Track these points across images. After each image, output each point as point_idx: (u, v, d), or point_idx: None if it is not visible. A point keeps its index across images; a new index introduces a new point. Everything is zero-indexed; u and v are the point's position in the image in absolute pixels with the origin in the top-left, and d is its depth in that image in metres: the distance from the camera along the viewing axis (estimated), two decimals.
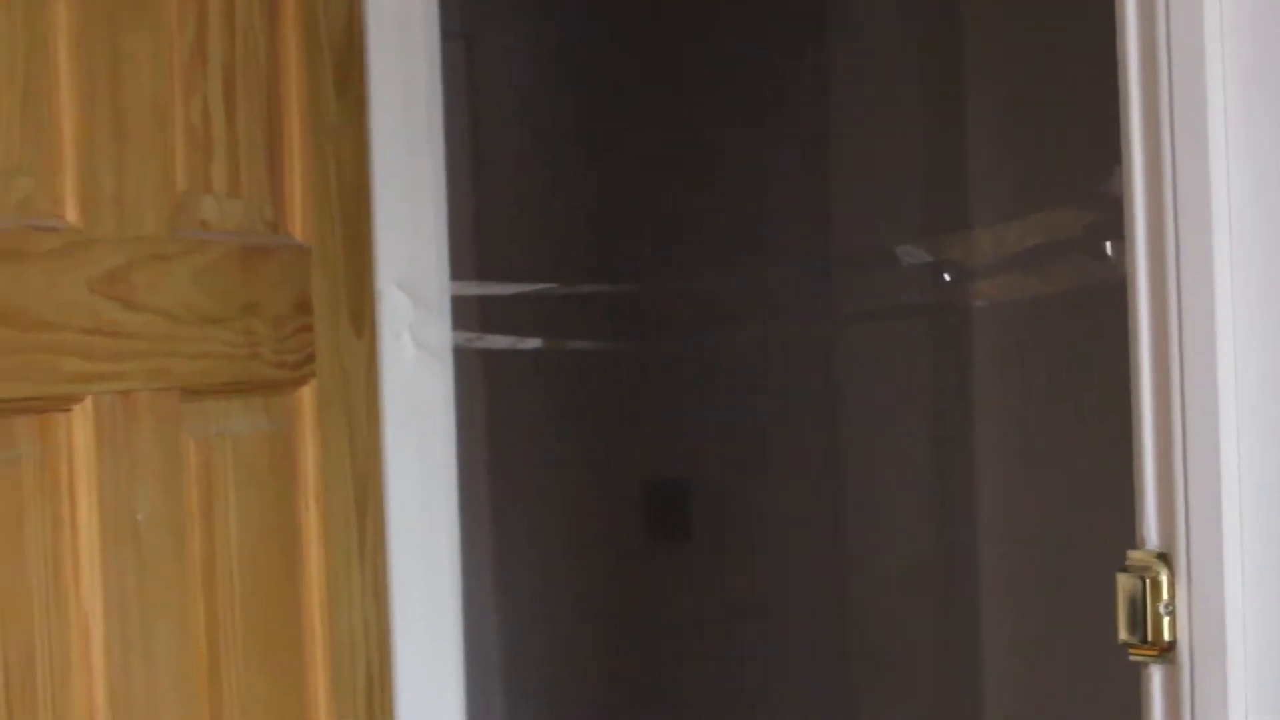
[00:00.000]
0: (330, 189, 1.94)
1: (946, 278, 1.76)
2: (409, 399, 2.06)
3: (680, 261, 2.51)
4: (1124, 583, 1.35)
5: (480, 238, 2.77)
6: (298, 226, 1.89)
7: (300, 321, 1.87)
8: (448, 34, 3.50)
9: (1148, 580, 1.34)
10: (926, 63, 2.92)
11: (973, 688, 2.96)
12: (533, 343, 2.31)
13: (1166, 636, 1.34)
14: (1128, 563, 1.36)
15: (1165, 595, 1.34)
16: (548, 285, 2.31)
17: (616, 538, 3.51)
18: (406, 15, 2.08)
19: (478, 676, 2.19)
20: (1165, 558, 1.34)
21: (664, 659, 3.56)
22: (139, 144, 1.63)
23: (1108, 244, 1.52)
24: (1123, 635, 1.36)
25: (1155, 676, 1.36)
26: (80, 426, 1.53)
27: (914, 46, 2.95)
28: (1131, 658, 1.37)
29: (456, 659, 2.10)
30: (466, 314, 2.22)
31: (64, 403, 1.51)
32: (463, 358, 2.16)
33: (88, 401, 1.53)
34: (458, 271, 2.18)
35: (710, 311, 2.33)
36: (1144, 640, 1.35)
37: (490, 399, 3.27)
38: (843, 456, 2.97)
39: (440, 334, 2.10)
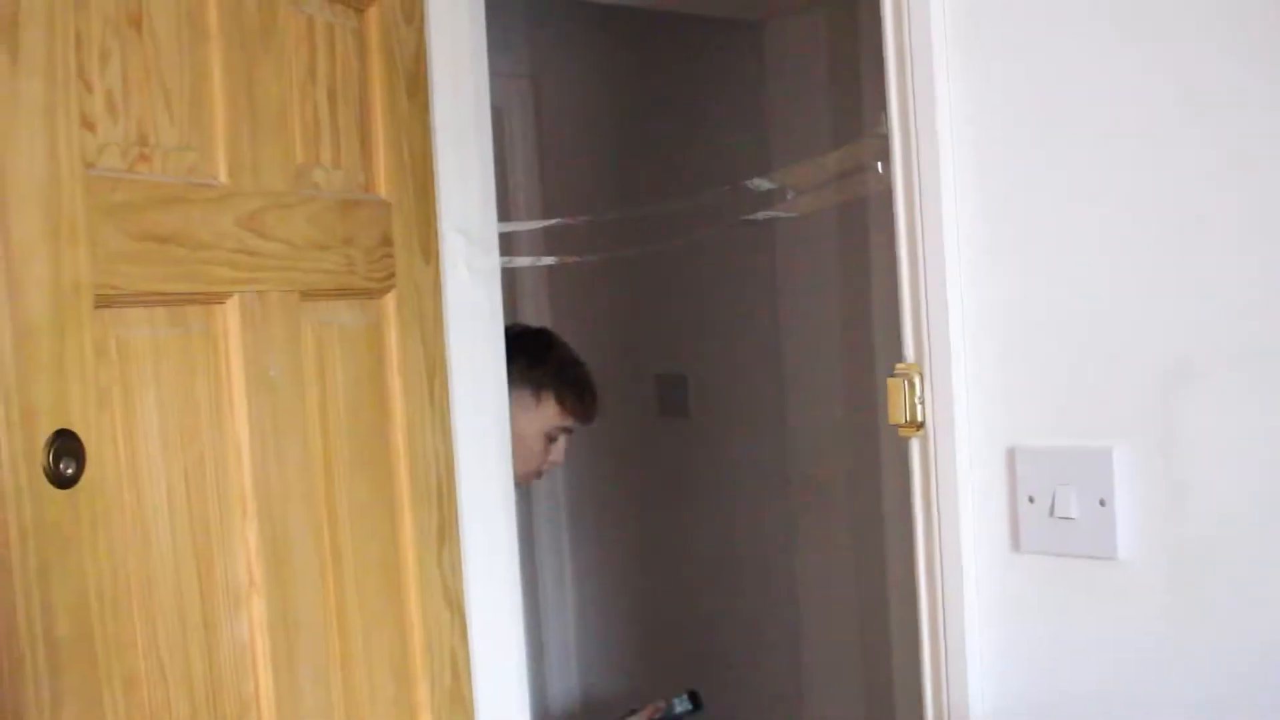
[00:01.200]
0: (405, 163, 2.02)
1: (788, 195, 1.89)
2: (465, 306, 2.14)
3: (644, 196, 2.63)
4: (893, 384, 1.49)
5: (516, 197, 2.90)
6: (382, 188, 1.98)
7: (384, 251, 1.95)
8: (520, 74, 3.66)
9: (907, 382, 1.49)
10: (832, 85, 3.05)
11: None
12: (548, 260, 2.39)
13: (919, 419, 1.49)
14: (894, 370, 1.50)
15: (918, 391, 1.48)
16: (558, 220, 2.40)
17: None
18: (458, 49, 2.15)
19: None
20: (918, 367, 1.49)
21: (670, 503, 3.70)
22: (268, 131, 1.75)
23: (879, 164, 1.63)
24: (892, 419, 1.50)
25: (915, 445, 1.49)
26: (231, 313, 1.66)
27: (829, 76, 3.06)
28: (900, 434, 1.51)
29: (505, 475, 2.19)
30: (505, 245, 2.31)
31: (219, 298, 1.65)
32: (506, 274, 2.25)
33: (235, 298, 1.66)
34: (512, 214, 2.26)
35: (664, 226, 2.45)
36: (905, 421, 1.50)
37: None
38: (768, 326, 3.13)
39: (486, 262, 2.18)
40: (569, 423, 2.90)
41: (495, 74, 2.24)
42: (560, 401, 2.89)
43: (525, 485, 2.94)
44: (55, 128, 1.44)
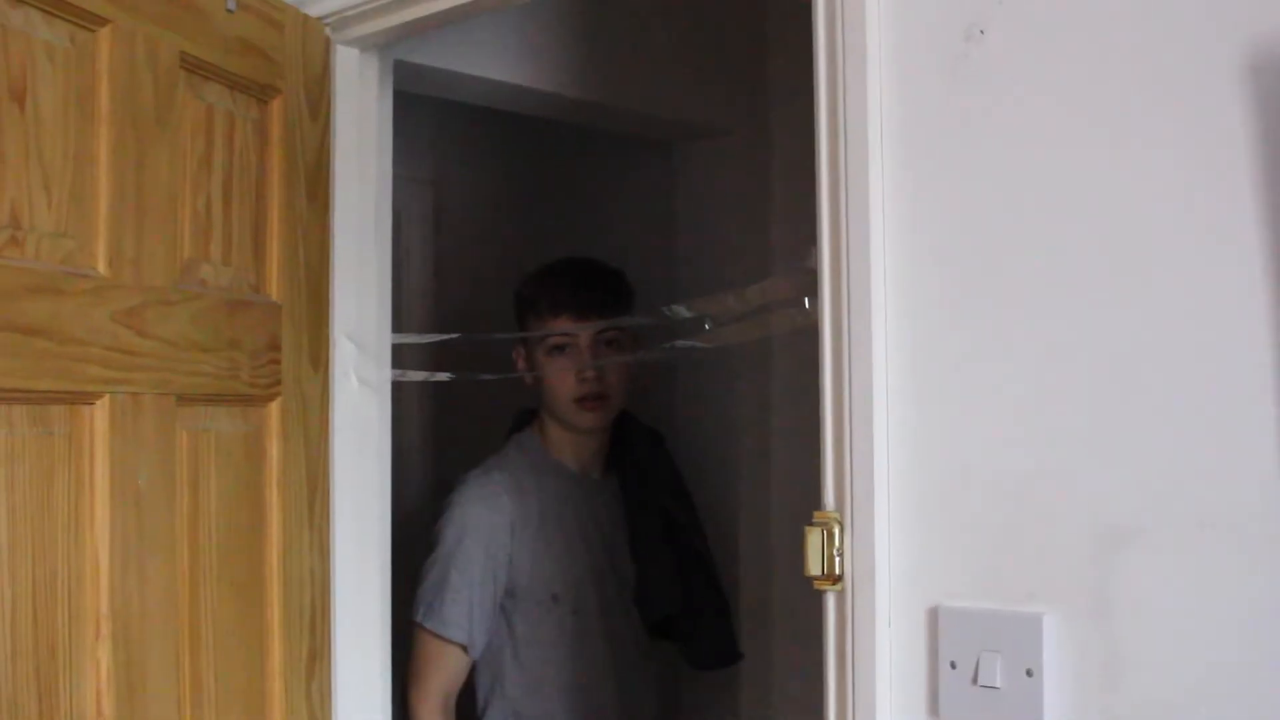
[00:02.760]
0: (299, 265, 1.91)
1: (706, 326, 1.82)
2: (352, 418, 2.01)
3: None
4: (810, 534, 1.39)
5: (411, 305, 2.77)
6: (273, 289, 1.86)
7: (271, 356, 1.83)
8: (420, 179, 3.57)
9: (826, 532, 1.40)
10: (742, 207, 3.01)
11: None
12: (443, 376, 2.29)
13: (837, 572, 1.39)
14: (814, 519, 1.40)
15: (837, 543, 1.39)
16: (459, 335, 2.30)
17: None
18: (364, 151, 2.04)
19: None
20: (838, 517, 1.40)
21: None
22: (155, 223, 1.63)
23: (806, 300, 1.57)
24: (810, 570, 1.40)
25: (830, 600, 1.39)
26: (100, 415, 1.53)
27: (739, 198, 3.03)
28: (816, 587, 1.42)
29: (384, 599, 2.04)
30: (403, 359, 2.20)
31: (88, 398, 1.52)
32: (400, 391, 2.14)
33: (106, 399, 1.53)
34: (404, 329, 2.17)
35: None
36: (823, 574, 1.40)
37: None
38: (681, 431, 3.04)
39: (378, 373, 2.05)
40: (551, 330, 2.45)
41: (394, 177, 2.14)
42: (524, 320, 2.50)
43: (595, 428, 2.52)
44: None
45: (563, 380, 2.44)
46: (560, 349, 2.46)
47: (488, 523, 2.41)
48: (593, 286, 2.48)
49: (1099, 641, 1.24)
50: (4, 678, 1.40)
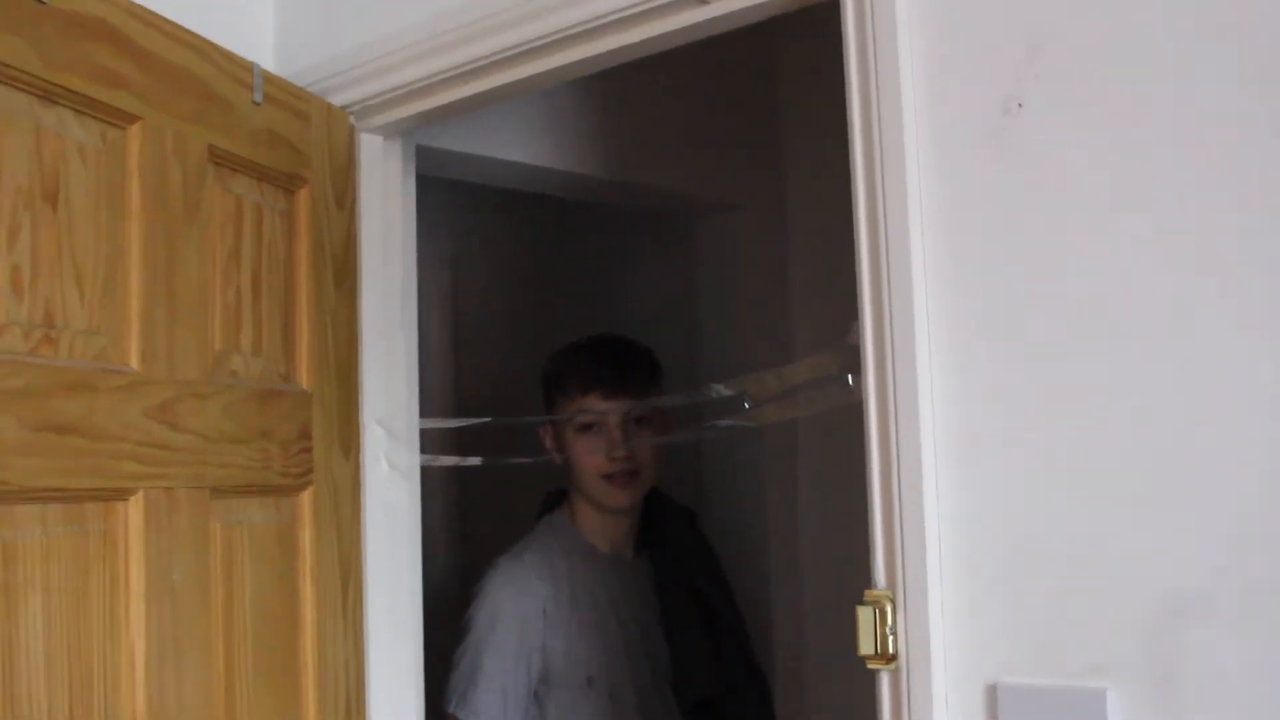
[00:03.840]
0: (329, 353, 1.89)
1: (745, 405, 1.79)
2: (383, 505, 1.99)
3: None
4: (862, 613, 1.36)
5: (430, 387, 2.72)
6: (303, 378, 1.84)
7: (302, 445, 1.81)
8: (437, 260, 3.56)
9: (878, 610, 1.36)
10: (759, 283, 3.00)
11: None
12: (474, 460, 2.27)
13: (891, 650, 1.36)
14: (865, 598, 1.37)
15: (890, 621, 1.36)
16: (484, 419, 2.28)
17: None
18: (389, 237, 2.04)
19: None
20: (890, 595, 1.37)
21: None
22: (186, 316, 1.61)
23: (849, 377, 1.54)
24: (862, 650, 1.37)
25: (884, 679, 1.36)
26: (134, 511, 1.51)
27: (756, 274, 3.02)
28: (869, 667, 1.38)
29: (417, 687, 2.01)
30: (428, 442, 2.17)
31: (122, 494, 1.50)
32: (425, 472, 2.12)
33: (140, 494, 1.51)
34: (423, 412, 2.14)
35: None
36: (876, 653, 1.37)
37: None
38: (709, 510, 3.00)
39: (408, 458, 2.03)
40: (581, 407, 2.40)
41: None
42: (551, 399, 2.46)
43: (625, 506, 2.45)
44: None
45: (592, 459, 2.39)
46: (589, 427, 2.41)
47: (520, 608, 2.35)
48: (622, 364, 2.43)
49: (1166, 715, 1.20)
50: None
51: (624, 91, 2.77)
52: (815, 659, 2.86)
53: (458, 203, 3.30)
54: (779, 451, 2.88)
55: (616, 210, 3.19)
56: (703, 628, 2.46)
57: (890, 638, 1.35)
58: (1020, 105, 1.30)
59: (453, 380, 3.52)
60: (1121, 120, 1.26)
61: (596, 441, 2.39)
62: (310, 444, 1.84)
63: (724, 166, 2.97)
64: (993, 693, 1.30)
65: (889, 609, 1.35)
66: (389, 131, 2.05)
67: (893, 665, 1.35)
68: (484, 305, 3.55)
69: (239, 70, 1.75)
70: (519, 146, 2.62)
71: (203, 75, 1.68)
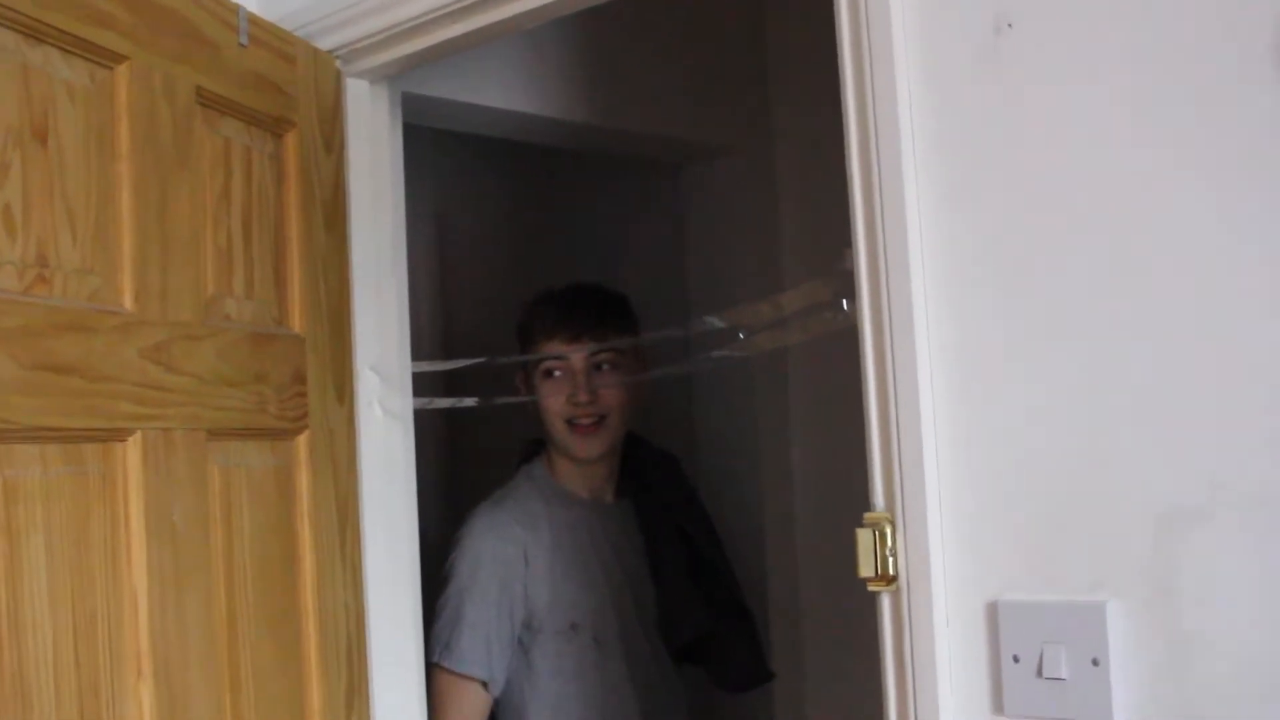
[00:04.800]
0: (320, 297, 1.89)
1: (740, 335, 1.80)
2: (379, 449, 1.99)
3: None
4: (862, 536, 1.37)
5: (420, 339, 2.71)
6: (296, 322, 1.84)
7: (297, 389, 1.81)
8: (423, 213, 3.55)
9: (877, 532, 1.38)
10: (749, 226, 3.01)
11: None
12: (469, 401, 2.27)
13: (891, 572, 1.37)
14: (864, 520, 1.38)
15: (890, 543, 1.37)
16: (479, 360, 2.28)
17: None
18: (378, 181, 2.03)
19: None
20: (889, 517, 1.38)
21: None
22: (179, 258, 1.61)
23: (844, 302, 1.55)
24: (863, 572, 1.38)
25: (885, 601, 1.37)
26: (133, 452, 1.51)
27: (746, 218, 3.02)
28: (869, 588, 1.39)
29: (416, 631, 2.03)
30: (420, 384, 2.17)
31: (120, 435, 1.50)
32: (419, 415, 2.13)
33: (138, 435, 1.51)
34: (415, 355, 2.14)
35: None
36: (876, 575, 1.38)
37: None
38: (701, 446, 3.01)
39: (402, 403, 2.04)
40: (542, 354, 2.40)
41: None
42: (524, 348, 2.44)
43: (592, 456, 2.43)
44: None
45: (555, 401, 2.39)
46: (554, 373, 2.41)
47: (500, 554, 2.34)
48: (586, 309, 2.42)
49: (1165, 626, 1.22)
50: (50, 712, 1.38)
51: (609, 35, 2.76)
52: (809, 589, 2.88)
53: (442, 153, 3.29)
54: (770, 383, 2.90)
55: (604, 156, 3.19)
56: (688, 570, 2.46)
57: (890, 559, 1.36)
58: (1010, 25, 1.31)
59: (441, 331, 3.52)
60: (1113, 35, 1.26)
61: (560, 385, 2.39)
62: (305, 388, 1.85)
63: (712, 110, 2.96)
64: (993, 610, 1.32)
65: (888, 531, 1.36)
66: (375, 76, 2.04)
67: (893, 587, 1.36)
68: (471, 255, 3.55)
69: (225, 12, 1.75)
70: (505, 93, 2.61)
71: (190, 16, 1.68)
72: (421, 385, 2.18)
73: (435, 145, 3.08)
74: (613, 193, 3.36)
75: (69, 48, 1.49)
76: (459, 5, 1.85)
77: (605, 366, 2.41)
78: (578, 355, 2.37)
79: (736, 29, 3.04)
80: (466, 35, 1.91)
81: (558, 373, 2.40)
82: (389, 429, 2.03)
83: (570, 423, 2.39)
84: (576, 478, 2.49)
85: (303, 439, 1.84)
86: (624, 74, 2.81)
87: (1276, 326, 1.17)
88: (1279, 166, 1.16)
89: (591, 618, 2.39)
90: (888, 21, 1.38)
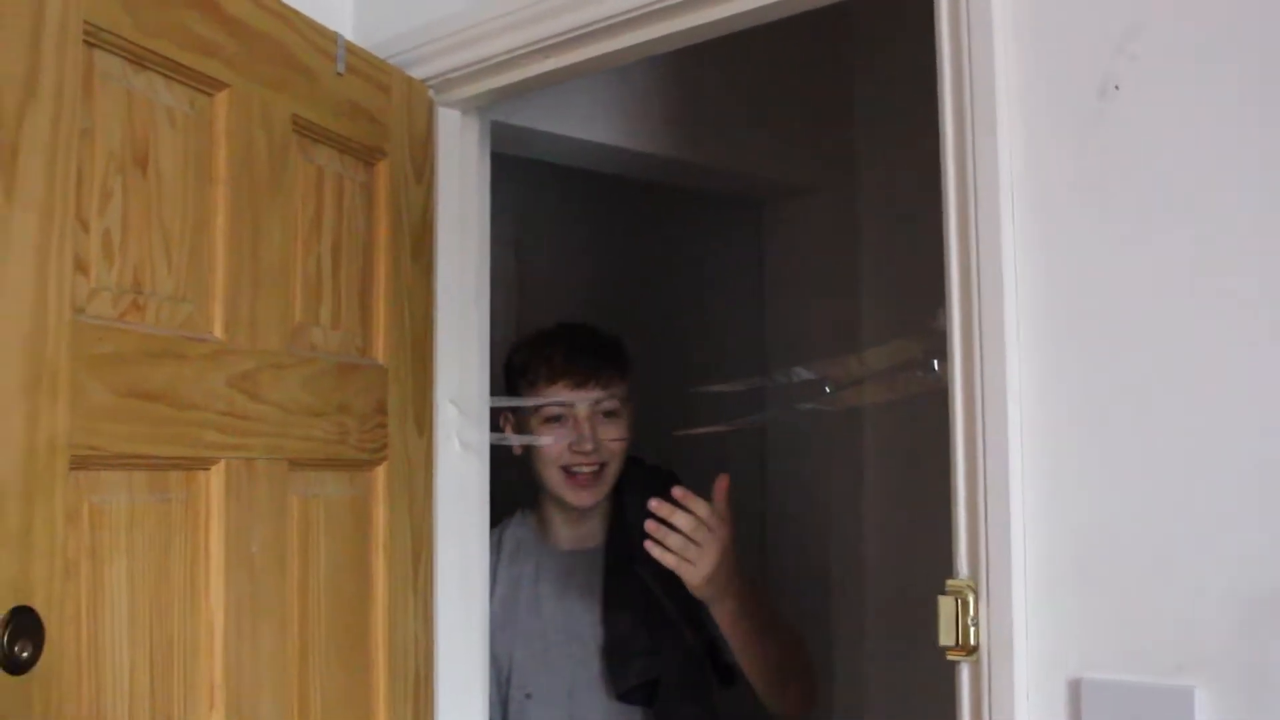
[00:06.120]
0: (405, 328, 1.91)
1: (827, 389, 1.79)
2: (455, 482, 2.01)
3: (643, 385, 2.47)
4: (944, 603, 1.36)
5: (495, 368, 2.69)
6: (380, 352, 1.87)
7: (378, 420, 1.84)
8: (504, 240, 3.57)
9: (960, 600, 1.36)
10: (830, 266, 3.00)
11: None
12: (544, 440, 2.26)
13: (973, 641, 1.36)
14: (947, 588, 1.37)
15: (972, 611, 1.36)
16: (554, 400, 2.26)
17: None
18: (465, 212, 2.06)
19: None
20: (972, 585, 1.37)
21: None
22: (269, 286, 1.64)
23: (935, 362, 1.54)
24: (943, 641, 1.36)
25: (965, 671, 1.35)
26: (216, 481, 1.53)
27: (827, 258, 3.01)
28: (949, 657, 1.38)
29: (483, 663, 2.04)
30: (497, 420, 2.17)
31: (204, 463, 1.52)
32: (495, 450, 2.12)
33: (221, 464, 1.53)
34: (494, 390, 2.15)
35: (685, 417, 2.29)
36: (956, 644, 1.37)
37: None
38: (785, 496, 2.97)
39: (479, 436, 2.06)
40: (547, 399, 2.28)
41: None
42: (514, 389, 2.32)
43: (586, 506, 2.31)
44: (46, 269, 1.31)
45: (554, 448, 2.28)
46: (556, 418, 2.29)
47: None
48: (592, 353, 2.33)
49: (1254, 715, 1.20)
50: None
51: (698, 72, 2.78)
52: (875, 651, 2.86)
53: (524, 183, 3.32)
54: (846, 439, 2.88)
55: (685, 193, 3.20)
56: (642, 615, 2.28)
57: (972, 628, 1.35)
58: (1117, 88, 1.30)
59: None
60: (1222, 100, 1.24)
61: (562, 432, 2.28)
62: (385, 419, 1.87)
63: (796, 149, 2.97)
64: (1076, 687, 1.30)
65: (971, 599, 1.35)
66: (467, 106, 2.07)
67: (973, 657, 1.35)
68: (549, 287, 3.55)
69: (323, 40, 1.77)
70: (594, 126, 2.63)
71: (288, 44, 1.70)
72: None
73: (516, 174, 3.10)
74: (694, 227, 3.37)
75: (172, 74, 1.52)
76: (550, 42, 1.88)
77: (608, 415, 2.31)
78: (585, 402, 2.28)
79: (825, 69, 3.04)
80: (556, 71, 1.93)
81: (562, 418, 2.29)
82: (465, 462, 2.05)
83: (567, 470, 2.29)
84: (564, 528, 2.38)
85: (381, 470, 1.86)
86: (710, 109, 2.83)
87: None
88: None
89: (545, 689, 2.28)
90: (992, 80, 1.38)
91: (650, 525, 2.04)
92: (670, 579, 2.11)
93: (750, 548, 2.82)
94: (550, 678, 2.27)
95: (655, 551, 2.03)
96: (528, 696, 2.26)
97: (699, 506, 2.02)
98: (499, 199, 2.25)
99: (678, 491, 2.03)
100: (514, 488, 2.28)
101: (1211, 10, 1.26)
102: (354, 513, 1.81)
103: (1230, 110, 1.25)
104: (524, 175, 3.17)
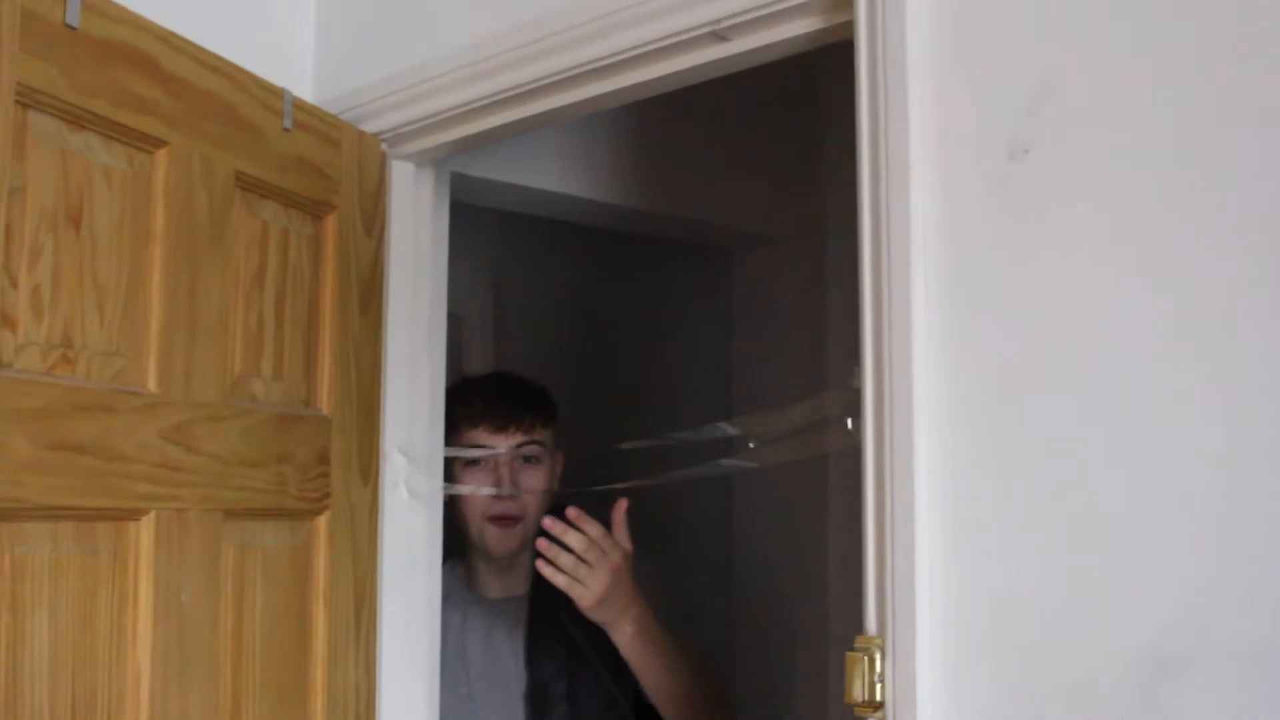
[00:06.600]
0: (351, 379, 1.94)
1: (750, 445, 1.81)
2: (403, 530, 2.03)
3: (603, 419, 2.46)
4: (851, 659, 1.38)
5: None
6: (324, 403, 1.89)
7: (320, 470, 1.86)
8: (483, 281, 3.61)
9: (867, 658, 1.38)
10: (797, 316, 3.02)
11: None
12: (488, 491, 2.28)
13: (878, 698, 1.37)
14: (855, 644, 1.38)
15: (879, 668, 1.37)
16: (504, 449, 2.28)
17: None
18: (419, 263, 2.09)
19: None
20: (879, 643, 1.38)
21: None
22: (206, 339, 1.66)
23: (849, 420, 1.56)
24: (850, 697, 1.38)
25: None
26: (145, 532, 1.55)
27: (794, 307, 3.04)
28: (857, 713, 1.39)
29: (429, 712, 2.05)
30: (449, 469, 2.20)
31: (134, 514, 1.54)
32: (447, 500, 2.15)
33: (152, 514, 1.56)
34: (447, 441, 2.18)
35: (624, 466, 2.30)
36: (864, 700, 1.38)
37: None
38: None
39: (429, 485, 2.08)
40: (466, 445, 2.29)
41: (456, 280, 2.18)
42: (447, 432, 2.25)
43: (505, 553, 2.32)
44: None
45: (478, 498, 2.29)
46: (476, 463, 2.30)
47: None
48: (511, 398, 2.34)
49: None
50: None
51: (662, 123, 2.81)
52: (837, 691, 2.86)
53: (503, 225, 3.35)
54: (807, 492, 2.90)
55: (656, 240, 3.23)
56: (561, 665, 2.30)
57: (878, 685, 1.36)
58: (1027, 151, 1.32)
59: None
60: (1130, 171, 1.27)
61: (483, 476, 2.30)
62: (328, 469, 1.89)
63: (763, 198, 3.00)
64: None
65: (878, 656, 1.36)
66: (421, 159, 2.10)
67: (879, 714, 1.36)
68: (527, 328, 3.60)
69: (269, 96, 1.81)
70: (556, 176, 2.67)
71: (233, 101, 1.74)
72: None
73: (498, 216, 3.14)
74: (664, 274, 3.40)
75: (109, 133, 1.56)
76: (501, 97, 1.91)
77: (529, 460, 2.32)
78: (506, 446, 2.30)
79: (790, 118, 3.07)
80: (507, 125, 1.96)
81: (482, 463, 2.30)
82: (413, 510, 2.07)
83: (489, 519, 2.31)
84: (489, 577, 2.40)
85: (323, 519, 1.89)
86: (674, 160, 2.87)
87: (1270, 484, 1.16)
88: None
89: None
90: (905, 143, 1.40)
91: (541, 544, 2.06)
92: (592, 628, 2.13)
93: (718, 572, 2.84)
94: None
95: (546, 571, 2.06)
96: None
97: (592, 528, 2.05)
98: (478, 240, 2.27)
99: (572, 512, 2.06)
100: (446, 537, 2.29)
101: (1110, 78, 1.29)
102: (294, 562, 1.83)
103: (1131, 177, 1.27)
104: (505, 218, 3.20)
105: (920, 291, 1.38)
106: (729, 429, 1.82)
